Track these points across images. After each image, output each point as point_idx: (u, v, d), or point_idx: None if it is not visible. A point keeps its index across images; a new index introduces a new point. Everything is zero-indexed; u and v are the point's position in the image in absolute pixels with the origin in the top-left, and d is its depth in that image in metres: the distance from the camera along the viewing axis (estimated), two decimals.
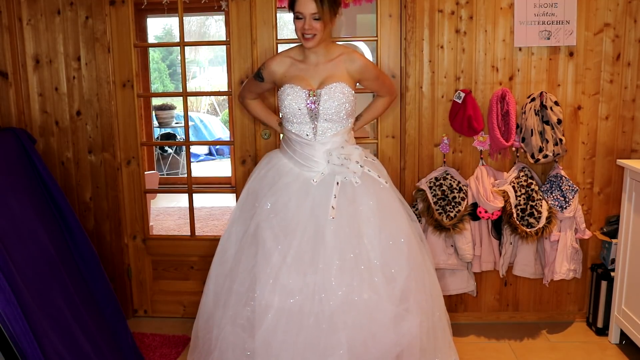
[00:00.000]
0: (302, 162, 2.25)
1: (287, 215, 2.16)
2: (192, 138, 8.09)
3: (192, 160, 7.31)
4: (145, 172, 3.22)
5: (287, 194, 2.20)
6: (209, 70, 11.59)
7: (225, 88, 8.67)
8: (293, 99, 2.24)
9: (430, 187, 2.87)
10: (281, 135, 2.43)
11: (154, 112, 7.04)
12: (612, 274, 2.89)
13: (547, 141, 2.79)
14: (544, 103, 2.80)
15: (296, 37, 2.28)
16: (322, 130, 2.26)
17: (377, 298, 2.08)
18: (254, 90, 2.55)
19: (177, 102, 7.71)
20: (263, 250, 2.13)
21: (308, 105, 2.24)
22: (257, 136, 3.03)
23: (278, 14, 3.03)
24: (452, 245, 2.88)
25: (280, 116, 2.39)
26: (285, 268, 2.08)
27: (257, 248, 2.15)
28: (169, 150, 7.57)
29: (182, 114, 6.17)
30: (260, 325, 2.04)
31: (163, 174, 7.15)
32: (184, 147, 7.42)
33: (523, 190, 2.83)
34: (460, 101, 2.84)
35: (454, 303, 3.09)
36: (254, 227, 2.20)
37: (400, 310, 2.12)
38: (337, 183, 2.18)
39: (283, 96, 2.27)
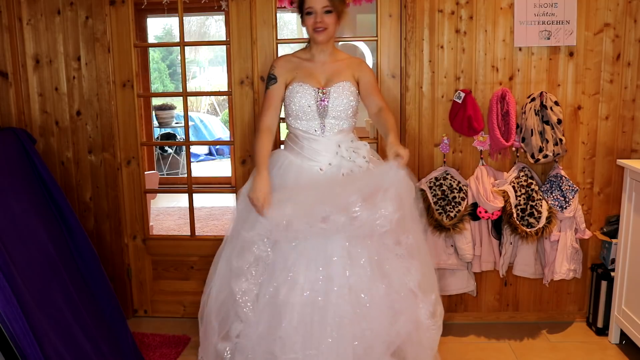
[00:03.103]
0: (309, 157, 2.29)
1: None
2: (192, 138, 8.09)
3: (192, 160, 7.31)
4: (145, 172, 3.22)
5: (297, 192, 2.22)
6: (209, 70, 11.60)
7: (225, 88, 8.67)
8: (303, 97, 2.28)
9: (430, 187, 2.87)
10: (285, 134, 2.44)
11: (154, 112, 7.03)
12: (612, 274, 2.89)
13: (547, 141, 2.79)
14: (544, 103, 2.80)
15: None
16: (329, 126, 2.30)
17: (383, 292, 2.14)
18: (271, 104, 2.35)
19: (177, 102, 7.71)
20: (278, 248, 2.17)
21: (318, 103, 2.28)
22: None
23: (278, 14, 3.03)
24: (452, 245, 2.88)
25: (286, 115, 2.39)
26: (300, 266, 2.13)
27: (274, 250, 2.19)
28: (169, 150, 7.57)
29: (182, 114, 6.16)
30: (280, 324, 2.09)
31: (163, 174, 7.15)
32: (184, 147, 7.42)
33: (523, 190, 2.83)
34: (460, 101, 2.84)
35: (454, 303, 3.09)
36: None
37: (403, 305, 2.17)
38: (343, 174, 2.23)
39: (292, 94, 2.30)
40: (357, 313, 2.10)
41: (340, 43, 4.17)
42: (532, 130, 2.79)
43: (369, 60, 4.98)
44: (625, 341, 2.86)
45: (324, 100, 2.28)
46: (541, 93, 2.82)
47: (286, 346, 2.08)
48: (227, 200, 5.93)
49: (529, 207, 2.81)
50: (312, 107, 2.28)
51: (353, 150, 2.25)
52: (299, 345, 2.08)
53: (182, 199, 6.02)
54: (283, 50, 3.22)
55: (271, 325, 2.12)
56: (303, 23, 2.31)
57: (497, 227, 2.89)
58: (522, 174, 2.87)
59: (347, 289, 2.11)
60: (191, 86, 10.90)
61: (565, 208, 2.81)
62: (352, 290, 2.11)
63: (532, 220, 2.79)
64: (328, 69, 2.33)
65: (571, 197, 2.82)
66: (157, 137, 7.27)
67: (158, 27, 10.91)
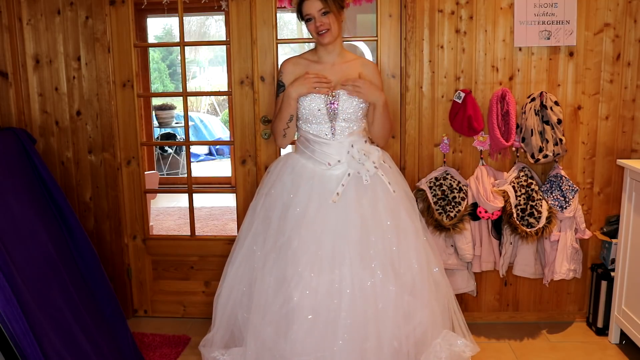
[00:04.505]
0: (321, 161, 2.30)
1: (312, 217, 2.20)
2: (192, 138, 8.09)
3: (192, 160, 7.31)
4: (145, 172, 3.22)
5: (310, 197, 2.24)
6: (209, 70, 11.59)
7: (225, 88, 8.67)
8: (312, 100, 2.28)
9: (430, 187, 2.87)
10: (296, 137, 2.44)
11: (154, 112, 7.04)
12: (612, 274, 2.89)
13: (547, 141, 2.79)
14: (544, 103, 2.80)
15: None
16: (340, 129, 2.30)
17: (394, 294, 2.15)
18: None
19: (177, 102, 7.72)
20: (292, 252, 2.17)
21: (328, 106, 2.28)
22: (257, 136, 3.03)
23: (278, 14, 3.03)
24: (452, 245, 2.88)
25: (296, 119, 2.39)
26: (313, 268, 2.14)
27: (286, 252, 2.19)
28: (169, 150, 7.58)
29: (182, 114, 6.17)
30: (291, 326, 2.10)
31: (163, 174, 7.15)
32: (184, 147, 7.43)
33: (523, 190, 2.83)
34: (460, 101, 2.84)
35: None
36: (284, 237, 2.23)
37: (414, 303, 2.20)
38: (349, 174, 2.24)
39: (301, 98, 2.30)
40: (368, 315, 2.11)
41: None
42: (532, 130, 2.79)
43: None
44: (625, 341, 2.86)
45: (333, 103, 2.27)
46: (541, 93, 2.82)
47: (297, 348, 2.08)
48: (227, 200, 5.93)
49: (529, 207, 2.81)
50: (322, 111, 2.28)
51: (364, 153, 2.24)
52: (310, 347, 2.09)
53: (182, 199, 6.02)
54: (283, 50, 3.22)
55: (281, 329, 2.12)
56: (308, 30, 2.32)
57: (497, 227, 2.89)
58: (522, 174, 2.87)
59: (359, 291, 2.12)
60: (191, 86, 10.90)
61: (565, 208, 2.81)
62: (364, 293, 2.12)
63: (532, 220, 2.79)
64: (337, 70, 2.33)
65: (571, 197, 2.82)
66: (157, 137, 7.28)
67: (158, 27, 10.91)
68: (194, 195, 3.17)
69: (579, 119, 2.92)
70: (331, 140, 2.29)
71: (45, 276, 2.27)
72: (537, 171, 2.95)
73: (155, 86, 10.62)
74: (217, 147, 8.42)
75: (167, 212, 5.53)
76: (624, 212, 2.78)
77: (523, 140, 2.85)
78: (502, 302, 3.12)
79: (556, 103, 2.82)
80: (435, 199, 2.84)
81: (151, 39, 8.97)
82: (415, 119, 2.93)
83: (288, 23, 8.28)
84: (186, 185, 3.18)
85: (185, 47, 3.05)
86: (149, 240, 3.22)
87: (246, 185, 3.09)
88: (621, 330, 2.84)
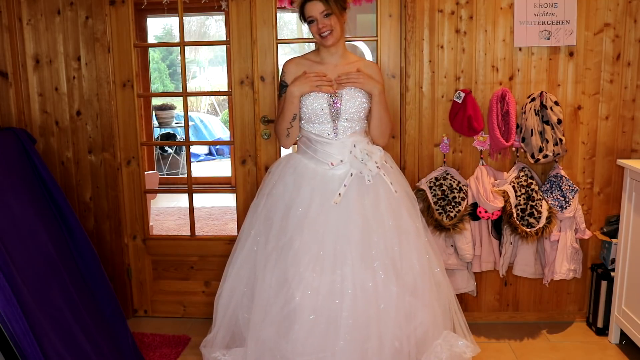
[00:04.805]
0: (324, 160, 2.30)
1: (314, 217, 2.20)
2: (192, 138, 8.09)
3: (192, 160, 7.31)
4: (145, 172, 3.22)
5: (312, 197, 2.24)
6: (209, 70, 11.59)
7: (225, 88, 8.67)
8: (315, 100, 2.28)
9: (430, 187, 2.87)
10: (298, 137, 2.44)
11: (154, 112, 7.04)
12: (612, 274, 2.89)
13: (547, 141, 2.79)
14: (544, 103, 2.80)
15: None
16: (342, 129, 2.30)
17: (395, 295, 2.15)
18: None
19: (177, 102, 7.72)
20: (293, 253, 2.17)
21: (330, 105, 2.28)
22: (257, 136, 3.03)
23: (278, 14, 3.03)
24: (452, 245, 2.88)
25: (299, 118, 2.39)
26: (315, 269, 2.14)
27: (288, 253, 2.19)
28: (169, 150, 7.58)
29: (182, 114, 6.17)
30: (293, 326, 2.10)
31: (163, 174, 7.15)
32: (184, 147, 7.43)
33: (523, 190, 2.83)
34: (460, 101, 2.84)
35: None
36: (286, 237, 2.23)
37: (415, 303, 2.20)
38: (351, 174, 2.24)
39: (304, 98, 2.30)
40: (370, 315, 2.11)
41: None
42: (532, 130, 2.79)
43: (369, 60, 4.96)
44: (625, 341, 2.86)
45: (336, 103, 2.28)
46: (541, 93, 2.82)
47: (298, 348, 2.09)
48: (227, 200, 5.93)
49: (529, 207, 2.81)
50: (325, 110, 2.28)
51: (367, 153, 2.23)
52: (311, 348, 2.09)
53: (182, 199, 6.02)
54: (283, 50, 3.22)
55: (282, 329, 2.13)
56: (310, 31, 2.32)
57: (497, 227, 2.89)
58: (522, 174, 2.87)
59: (361, 292, 2.12)
60: (191, 86, 10.90)
61: (565, 208, 2.81)
62: (366, 293, 2.12)
63: (532, 220, 2.79)
64: (340, 71, 2.33)
65: (571, 197, 2.82)
66: (157, 137, 7.28)
67: (158, 27, 10.91)
68: (194, 195, 3.17)
69: (579, 119, 2.92)
70: (333, 140, 2.29)
71: (45, 276, 2.27)
72: (537, 171, 2.95)
73: (155, 86, 10.62)
74: (217, 147, 8.42)
75: (167, 212, 5.53)
76: (624, 212, 2.78)
77: (523, 140, 2.85)
78: (502, 302, 3.12)
79: (556, 103, 2.82)
80: (435, 199, 2.84)
81: (151, 39, 8.98)
82: (415, 119, 2.93)
83: (288, 23, 8.28)
84: (186, 185, 3.18)
85: (185, 47, 3.05)
86: (149, 240, 3.22)
87: (246, 185, 3.10)
88: (621, 330, 2.84)
